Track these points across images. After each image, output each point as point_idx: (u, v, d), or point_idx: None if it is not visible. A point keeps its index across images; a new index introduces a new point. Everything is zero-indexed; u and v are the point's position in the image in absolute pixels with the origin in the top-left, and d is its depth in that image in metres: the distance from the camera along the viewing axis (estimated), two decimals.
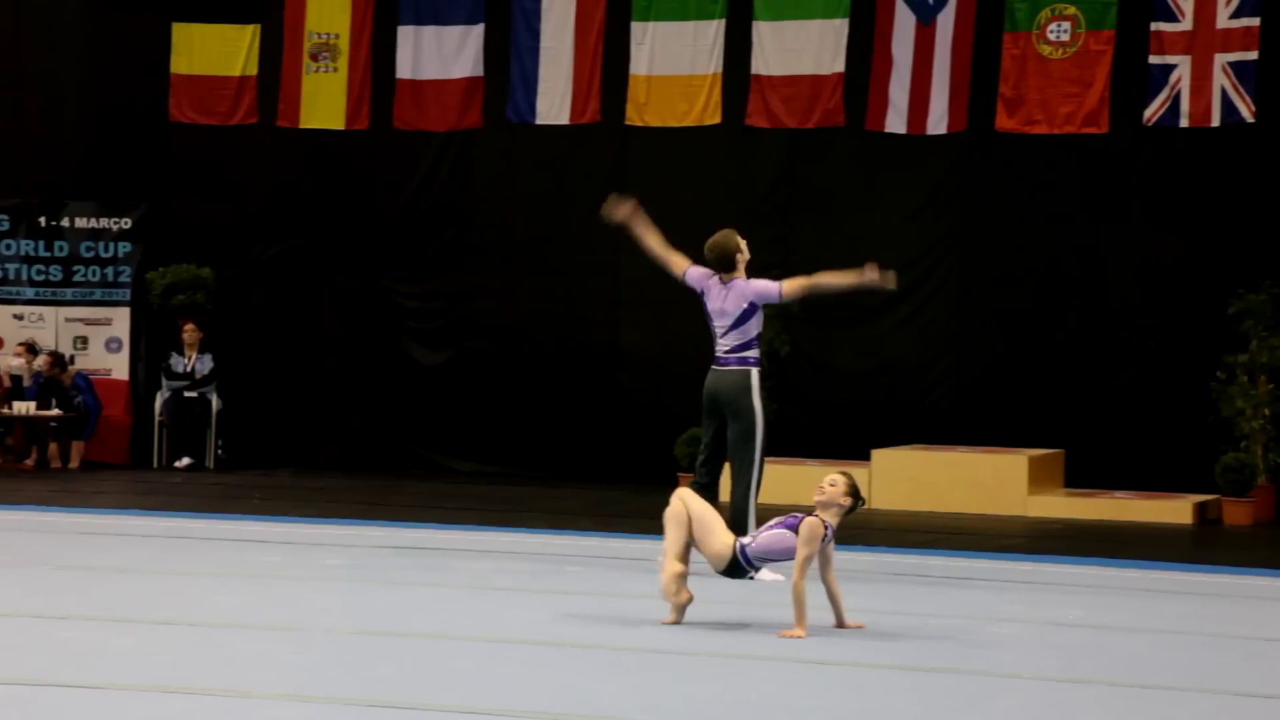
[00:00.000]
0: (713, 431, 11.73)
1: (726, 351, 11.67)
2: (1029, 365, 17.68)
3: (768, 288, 11.63)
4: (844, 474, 9.66)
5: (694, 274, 11.85)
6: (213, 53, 19.92)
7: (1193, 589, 11.77)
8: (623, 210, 11.83)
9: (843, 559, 12.31)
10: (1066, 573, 12.38)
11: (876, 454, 16.67)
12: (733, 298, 11.67)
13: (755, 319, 11.67)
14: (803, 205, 18.52)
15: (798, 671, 8.49)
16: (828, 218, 18.38)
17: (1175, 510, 15.99)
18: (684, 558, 9.58)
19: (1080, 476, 17.03)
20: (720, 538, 9.60)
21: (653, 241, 12.03)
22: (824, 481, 9.62)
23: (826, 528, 9.47)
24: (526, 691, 7.85)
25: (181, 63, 19.98)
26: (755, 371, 11.64)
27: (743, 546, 9.59)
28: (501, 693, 7.81)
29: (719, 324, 11.71)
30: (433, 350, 19.64)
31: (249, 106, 19.82)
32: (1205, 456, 16.38)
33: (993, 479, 16.36)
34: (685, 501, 9.64)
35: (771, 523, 9.69)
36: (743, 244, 11.91)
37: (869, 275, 11.63)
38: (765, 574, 11.13)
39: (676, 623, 9.53)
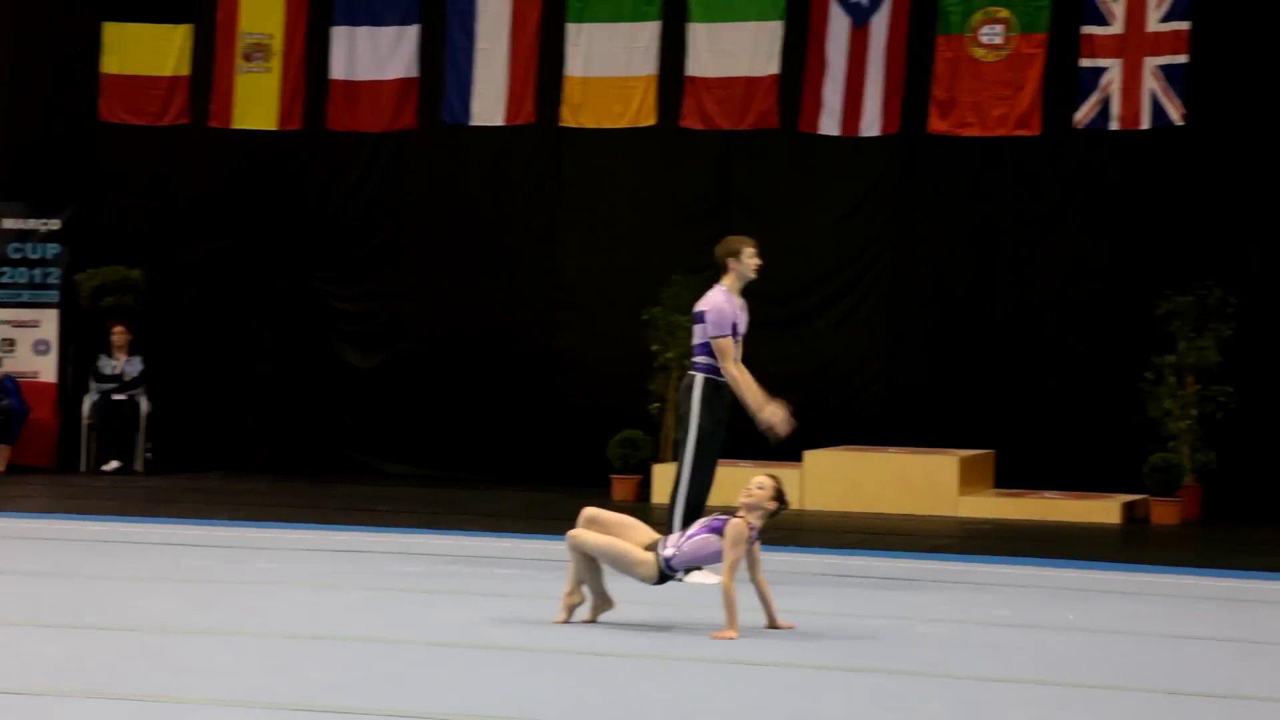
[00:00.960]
0: None
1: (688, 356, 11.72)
2: (960, 366, 17.77)
3: (713, 315, 11.43)
4: (771, 476, 9.69)
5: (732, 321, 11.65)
6: (144, 52, 19.78)
7: (1121, 588, 11.86)
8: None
9: (774, 560, 12.35)
10: (996, 572, 12.45)
11: (808, 455, 16.72)
12: (700, 301, 11.67)
13: (699, 329, 11.61)
14: (737, 207, 18.54)
15: (730, 673, 8.51)
16: (762, 219, 18.37)
17: (1104, 510, 16.10)
18: (578, 590, 9.59)
19: (1010, 477, 17.12)
20: (639, 557, 9.56)
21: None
22: (751, 484, 9.64)
23: (751, 529, 9.49)
24: (460, 694, 7.84)
25: (112, 62, 19.83)
26: (700, 378, 11.58)
27: (667, 560, 9.57)
28: (435, 696, 7.79)
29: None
30: (365, 353, 19.57)
31: (180, 107, 19.69)
32: (1133, 457, 16.50)
33: (923, 479, 16.43)
34: (583, 536, 9.57)
35: (695, 528, 9.69)
36: (742, 250, 11.72)
37: (767, 413, 11.42)
38: (696, 576, 11.17)
39: (565, 621, 9.54)
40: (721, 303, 11.56)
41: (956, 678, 8.49)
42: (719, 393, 11.53)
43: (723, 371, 11.50)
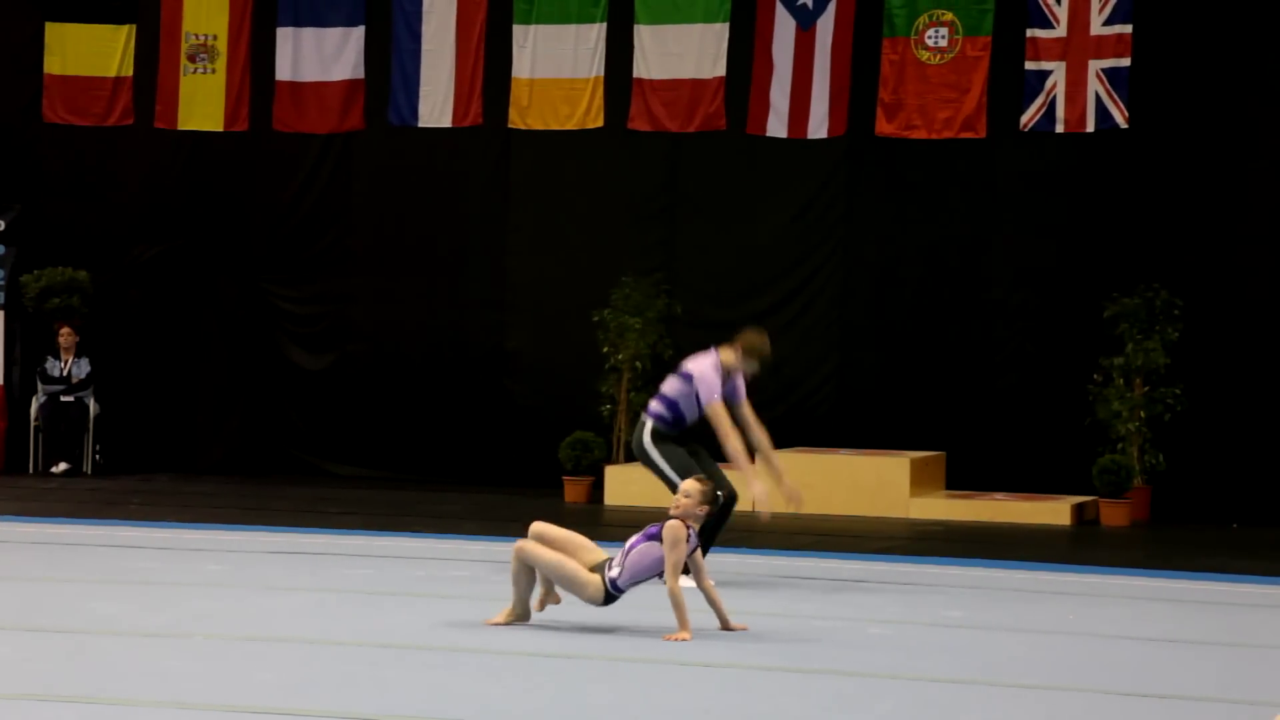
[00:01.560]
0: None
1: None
2: (910, 368, 17.82)
3: (703, 383, 11.33)
4: (698, 481, 9.68)
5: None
6: (87, 53, 19.67)
7: (1071, 589, 11.91)
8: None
9: (726, 562, 12.38)
10: (947, 574, 12.49)
11: (760, 457, 16.70)
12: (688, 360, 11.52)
13: (677, 384, 11.41)
14: (685, 209, 18.56)
15: (683, 675, 8.51)
16: (710, 221, 18.44)
17: (1053, 511, 16.17)
18: (524, 611, 9.57)
19: (961, 478, 17.18)
20: (585, 578, 9.49)
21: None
22: (679, 494, 9.65)
23: (689, 529, 9.49)
24: (410, 696, 7.82)
25: (55, 63, 19.71)
26: (649, 424, 11.43)
27: (612, 581, 9.54)
28: (385, 698, 7.77)
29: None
30: (314, 354, 19.50)
31: (125, 107, 19.59)
32: (1082, 458, 16.58)
33: (875, 481, 16.47)
34: (532, 550, 9.53)
35: (632, 541, 9.64)
36: (761, 354, 11.66)
37: (754, 490, 11.32)
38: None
39: (500, 624, 9.52)
40: (709, 372, 11.39)
41: (908, 678, 8.51)
42: (670, 431, 11.43)
43: (720, 436, 11.28)
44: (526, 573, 9.55)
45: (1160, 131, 17.11)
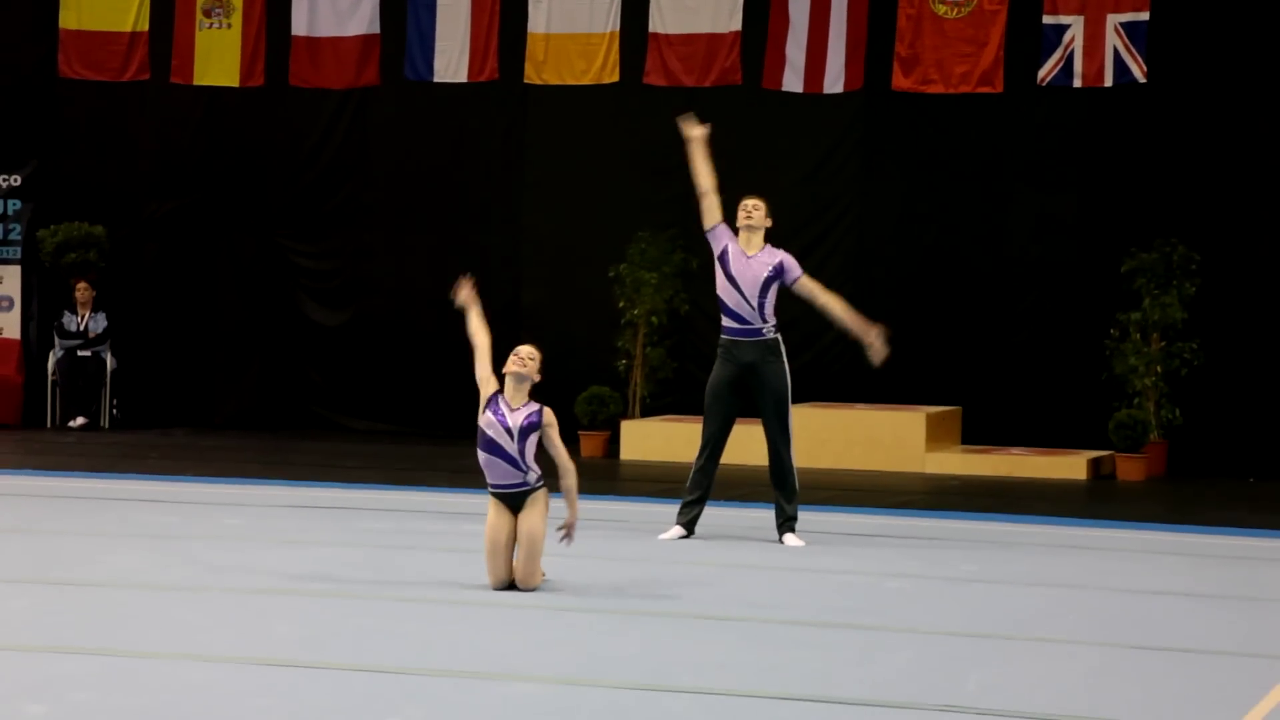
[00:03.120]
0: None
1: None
2: (926, 323, 17.79)
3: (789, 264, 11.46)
4: (531, 346, 9.78)
5: (722, 230, 11.58)
6: (102, 8, 19.65)
7: (1087, 544, 11.91)
8: (697, 129, 11.57)
9: (741, 516, 12.43)
10: (963, 528, 12.50)
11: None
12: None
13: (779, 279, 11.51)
14: None
15: (699, 628, 8.53)
16: (726, 176, 18.21)
17: (1070, 466, 16.17)
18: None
19: (977, 433, 17.17)
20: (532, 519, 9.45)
21: (705, 174, 11.67)
22: (523, 354, 9.71)
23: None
24: (428, 649, 7.85)
25: (70, 18, 19.69)
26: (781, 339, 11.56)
27: (538, 477, 9.48)
28: (403, 651, 7.80)
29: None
30: (330, 310, 19.51)
31: (140, 63, 19.57)
32: (1099, 413, 16.56)
33: (891, 436, 16.47)
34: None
35: (521, 428, 9.50)
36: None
37: (871, 337, 11.53)
38: (790, 540, 11.20)
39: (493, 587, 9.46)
40: (729, 230, 11.68)
41: (924, 633, 8.53)
42: (723, 350, 11.52)
43: (829, 295, 11.55)
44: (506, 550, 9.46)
45: (1179, 86, 17.04)
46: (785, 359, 11.53)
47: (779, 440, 11.47)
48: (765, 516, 12.42)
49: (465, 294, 10.21)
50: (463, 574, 9.83)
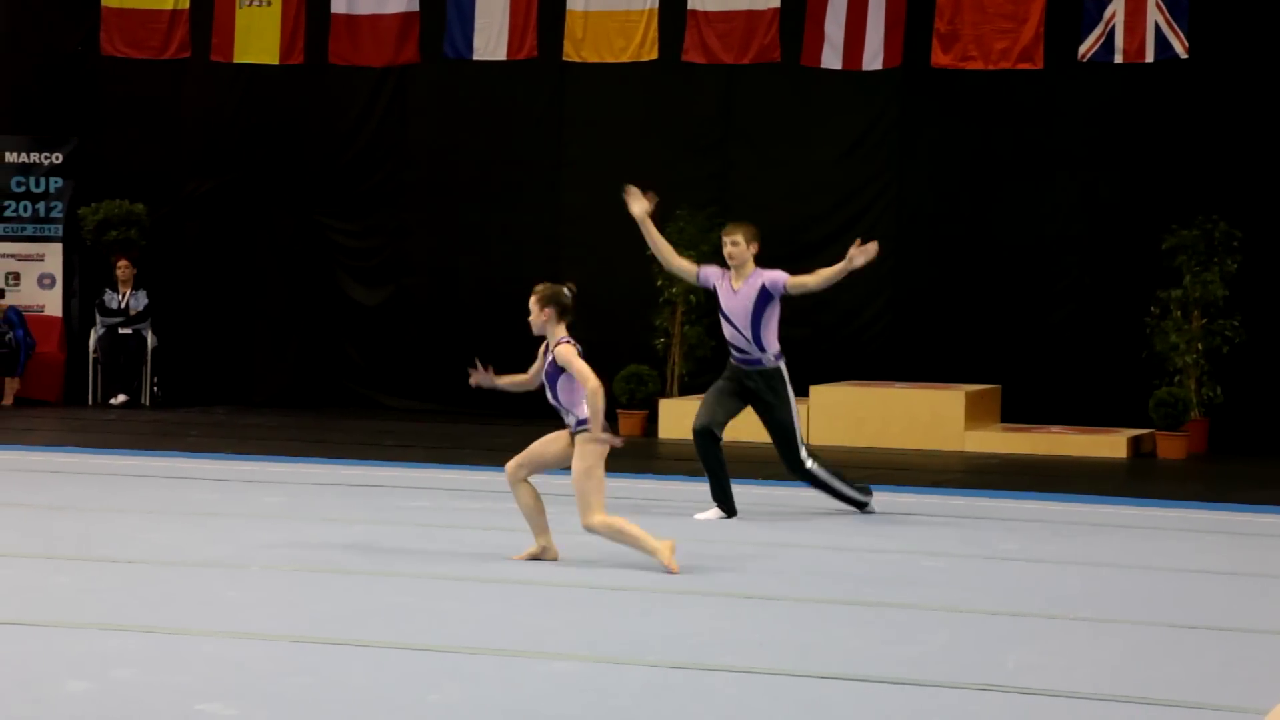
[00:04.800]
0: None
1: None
2: (965, 301, 17.75)
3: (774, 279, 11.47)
4: (536, 289, 9.82)
5: (707, 273, 11.61)
6: None
7: (1127, 522, 11.88)
8: (638, 205, 11.54)
9: (779, 495, 12.42)
10: (1003, 507, 12.47)
11: (814, 390, 16.73)
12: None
13: (766, 303, 11.48)
14: (739, 141, 18.50)
15: (737, 607, 8.53)
16: (764, 154, 18.39)
17: (1110, 444, 16.11)
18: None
19: (1016, 411, 17.13)
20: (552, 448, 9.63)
21: (663, 245, 11.71)
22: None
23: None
24: (467, 627, 7.87)
25: None
26: (782, 366, 11.60)
27: (579, 422, 9.53)
28: (441, 629, 7.82)
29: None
30: (370, 288, 19.56)
31: (181, 41, 19.62)
32: (1139, 391, 16.50)
33: (930, 414, 16.44)
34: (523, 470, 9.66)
35: (547, 374, 9.63)
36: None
37: (853, 258, 11.50)
38: (704, 515, 11.27)
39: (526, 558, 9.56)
40: (715, 269, 11.70)
41: (963, 611, 8.52)
42: (729, 368, 11.62)
43: (803, 289, 11.59)
44: (537, 507, 9.57)
45: (1220, 61, 16.94)
46: (789, 385, 11.55)
47: (790, 455, 11.54)
48: (806, 495, 12.42)
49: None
50: (502, 552, 9.86)
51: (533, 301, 9.75)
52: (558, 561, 9.58)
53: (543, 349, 9.80)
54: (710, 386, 11.78)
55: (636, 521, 9.68)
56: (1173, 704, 6.66)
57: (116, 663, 6.95)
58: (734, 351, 11.56)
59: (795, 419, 11.56)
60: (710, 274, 11.63)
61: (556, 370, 9.58)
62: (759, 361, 11.46)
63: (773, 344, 11.47)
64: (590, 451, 9.45)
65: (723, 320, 11.59)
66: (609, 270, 18.51)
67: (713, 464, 11.49)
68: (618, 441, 9.52)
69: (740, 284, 11.49)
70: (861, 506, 11.80)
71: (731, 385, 11.57)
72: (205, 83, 19.76)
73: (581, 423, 9.52)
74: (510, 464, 9.78)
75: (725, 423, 11.57)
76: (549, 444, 9.70)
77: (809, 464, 11.57)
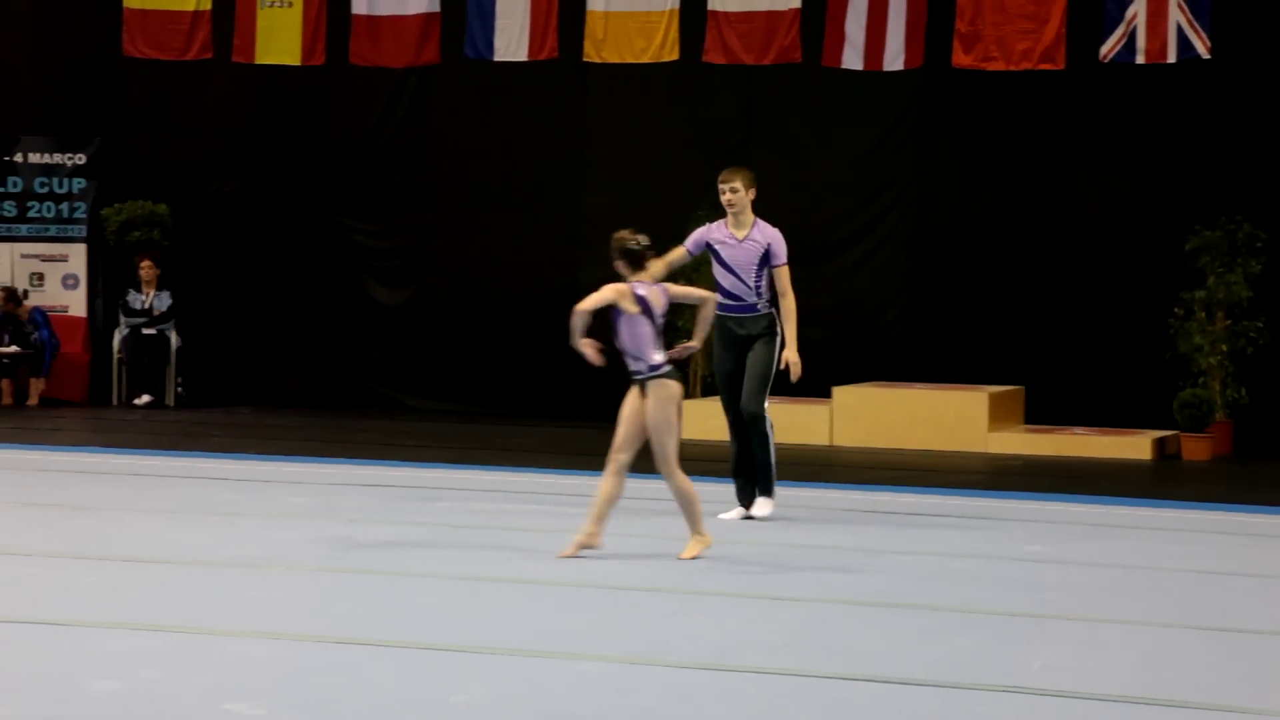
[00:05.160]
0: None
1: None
2: (988, 302, 17.73)
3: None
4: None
5: (699, 238, 11.43)
6: None
7: (1152, 524, 11.85)
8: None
9: (803, 496, 12.40)
10: (1026, 508, 12.45)
11: (837, 391, 16.72)
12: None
13: (764, 264, 11.39)
14: (760, 142, 18.49)
15: (763, 608, 8.53)
16: (785, 154, 18.37)
17: (1134, 446, 16.08)
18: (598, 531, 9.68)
19: (1040, 413, 17.10)
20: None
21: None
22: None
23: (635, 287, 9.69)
24: (489, 628, 7.87)
25: None
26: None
27: (654, 368, 9.61)
28: (464, 629, 7.82)
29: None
30: (392, 289, 19.59)
31: (203, 42, 19.66)
32: (1164, 392, 16.47)
33: (953, 416, 16.41)
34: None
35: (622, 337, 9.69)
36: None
37: (788, 355, 11.23)
38: (754, 509, 11.19)
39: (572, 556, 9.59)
40: (709, 225, 11.50)
41: (987, 613, 8.50)
42: (722, 328, 11.35)
43: (788, 299, 11.34)
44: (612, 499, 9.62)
45: (1243, 61, 16.89)
46: (780, 334, 11.37)
47: (754, 403, 11.24)
48: (831, 496, 12.41)
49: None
50: (526, 553, 9.86)
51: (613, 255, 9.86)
52: (580, 559, 9.56)
53: None
54: (720, 378, 11.45)
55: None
56: (1199, 706, 6.64)
57: (142, 662, 6.96)
58: (729, 302, 11.25)
59: (775, 365, 11.31)
60: (702, 235, 11.39)
61: (619, 311, 9.61)
62: (754, 308, 11.30)
63: (767, 290, 11.34)
64: (667, 398, 9.50)
65: (722, 270, 11.30)
66: None
67: (737, 452, 11.33)
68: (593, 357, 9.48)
69: (743, 234, 11.30)
70: (765, 492, 11.40)
71: (731, 355, 11.30)
72: (227, 84, 19.81)
73: (653, 369, 9.48)
74: (612, 456, 9.63)
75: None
76: (627, 413, 9.61)
77: (766, 415, 11.32)
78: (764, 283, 11.34)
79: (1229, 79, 16.93)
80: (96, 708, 6.31)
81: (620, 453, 9.63)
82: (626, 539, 9.89)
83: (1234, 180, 16.92)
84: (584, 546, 9.64)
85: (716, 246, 11.34)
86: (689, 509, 9.69)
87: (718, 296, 10.98)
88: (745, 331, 11.34)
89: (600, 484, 9.68)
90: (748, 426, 11.33)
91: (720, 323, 11.30)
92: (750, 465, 11.40)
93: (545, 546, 9.99)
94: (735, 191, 11.32)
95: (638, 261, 9.73)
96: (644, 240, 9.74)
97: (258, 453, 14.81)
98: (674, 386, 9.61)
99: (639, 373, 9.64)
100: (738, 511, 11.43)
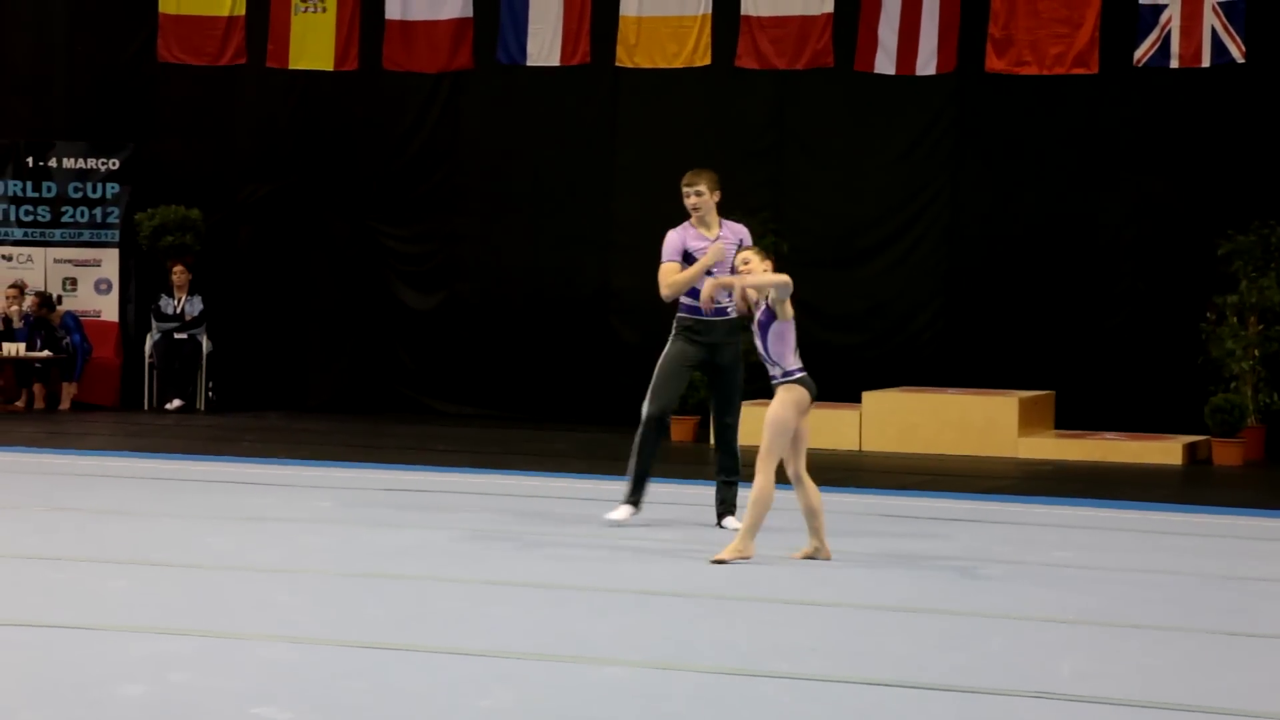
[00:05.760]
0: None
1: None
2: (1019, 307, 17.69)
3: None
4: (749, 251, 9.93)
5: (674, 244, 11.24)
6: None
7: (1183, 530, 11.81)
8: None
9: (831, 501, 12.36)
10: (1057, 514, 12.42)
11: (867, 396, 16.69)
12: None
13: None
14: (792, 147, 18.49)
15: (790, 613, 8.52)
16: (818, 159, 18.37)
17: (1165, 451, 16.03)
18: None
19: (1070, 418, 17.06)
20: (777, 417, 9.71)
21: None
22: (739, 262, 9.96)
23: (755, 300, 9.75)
24: (516, 632, 7.87)
25: (169, 3, 19.89)
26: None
27: (786, 374, 9.69)
28: (491, 634, 7.83)
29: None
30: (423, 294, 19.62)
31: (237, 47, 19.73)
32: (1195, 397, 16.41)
33: (983, 421, 16.38)
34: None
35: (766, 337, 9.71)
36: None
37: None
38: (729, 522, 11.16)
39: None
40: (677, 231, 11.28)
41: (1017, 618, 8.48)
42: (688, 330, 11.22)
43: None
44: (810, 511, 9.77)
45: (1277, 66, 16.83)
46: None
47: (733, 420, 11.21)
48: (862, 501, 12.39)
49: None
50: (554, 557, 9.86)
51: (752, 253, 9.89)
52: (605, 563, 9.56)
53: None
54: (669, 367, 11.23)
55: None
56: (1228, 713, 6.61)
57: (172, 666, 6.98)
58: (698, 303, 11.03)
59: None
60: (677, 245, 11.17)
61: (768, 318, 9.62)
62: (727, 310, 11.15)
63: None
64: (787, 401, 9.60)
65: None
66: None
67: (652, 454, 11.15)
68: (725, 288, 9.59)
69: (714, 234, 11.18)
70: (630, 501, 11.13)
71: (692, 353, 11.12)
72: (260, 89, 19.88)
73: (787, 374, 9.62)
74: (788, 471, 9.74)
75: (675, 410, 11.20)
76: (771, 417, 9.68)
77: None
78: None
79: (1263, 83, 16.87)
80: (126, 712, 6.33)
81: (786, 467, 9.75)
82: (653, 543, 9.88)
83: (1268, 185, 16.86)
84: (810, 556, 9.82)
85: (695, 252, 11.19)
86: (811, 519, 9.80)
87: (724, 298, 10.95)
88: (715, 338, 11.14)
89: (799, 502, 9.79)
90: (736, 463, 11.18)
91: (685, 325, 11.20)
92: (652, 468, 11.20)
93: (572, 552, 9.99)
94: (700, 195, 11.23)
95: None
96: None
97: (287, 457, 14.85)
98: (800, 391, 9.66)
99: (774, 378, 9.72)
100: (626, 509, 11.12)
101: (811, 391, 9.77)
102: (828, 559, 9.80)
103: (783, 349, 9.73)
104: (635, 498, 11.17)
